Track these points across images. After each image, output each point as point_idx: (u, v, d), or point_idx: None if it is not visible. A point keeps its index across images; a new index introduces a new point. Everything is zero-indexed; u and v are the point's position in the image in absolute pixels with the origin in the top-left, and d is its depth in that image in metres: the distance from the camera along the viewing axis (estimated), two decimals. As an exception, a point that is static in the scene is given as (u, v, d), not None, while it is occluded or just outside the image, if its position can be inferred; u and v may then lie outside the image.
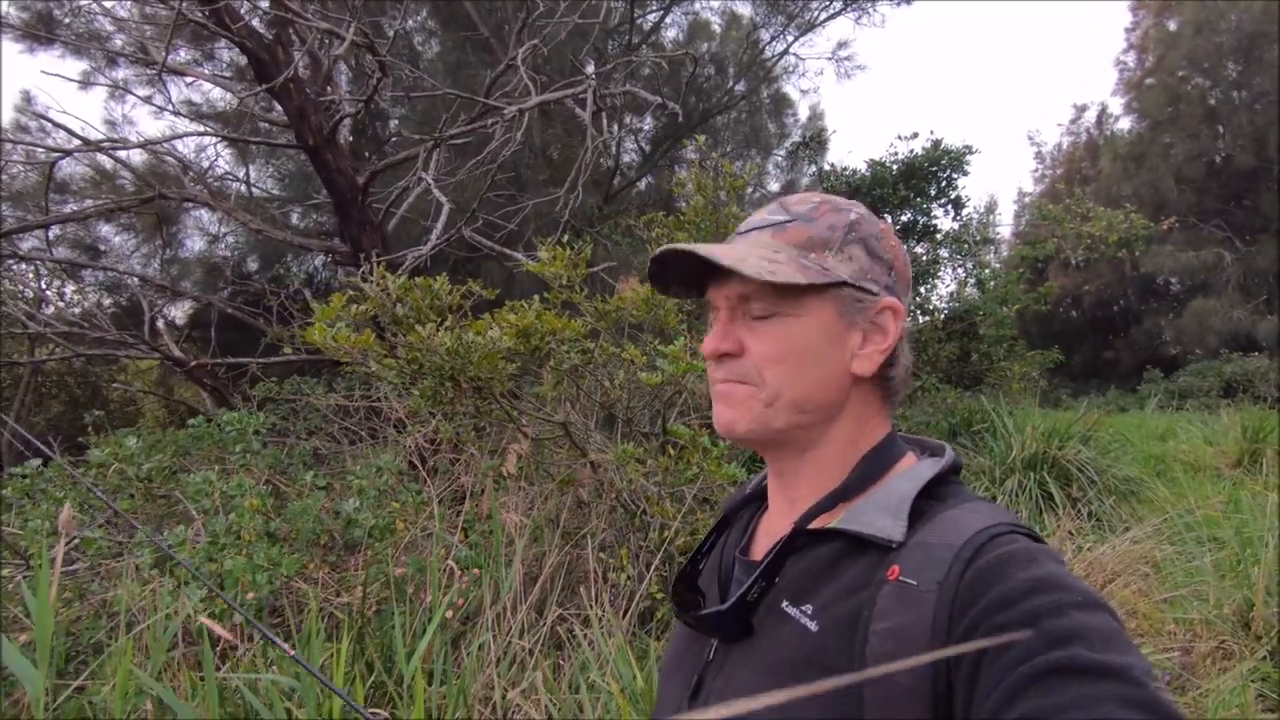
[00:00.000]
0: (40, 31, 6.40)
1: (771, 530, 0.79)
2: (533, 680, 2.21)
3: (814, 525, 0.70)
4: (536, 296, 2.95)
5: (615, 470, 3.06)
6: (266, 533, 2.78)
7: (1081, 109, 22.64)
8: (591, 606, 2.53)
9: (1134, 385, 14.85)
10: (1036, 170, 24.09)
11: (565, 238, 3.50)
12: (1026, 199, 21.28)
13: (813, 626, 0.64)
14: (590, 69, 7.50)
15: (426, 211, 6.09)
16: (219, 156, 8.27)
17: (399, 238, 6.45)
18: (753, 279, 0.68)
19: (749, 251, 0.71)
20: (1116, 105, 24.90)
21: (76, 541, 3.01)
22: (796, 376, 0.70)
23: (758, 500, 0.87)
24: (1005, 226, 18.84)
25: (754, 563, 0.77)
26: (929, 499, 0.68)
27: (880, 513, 0.67)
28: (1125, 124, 19.98)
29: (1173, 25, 17.95)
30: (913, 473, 0.71)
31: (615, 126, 8.75)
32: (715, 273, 0.74)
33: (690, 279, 0.78)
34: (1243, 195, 16.67)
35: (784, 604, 0.68)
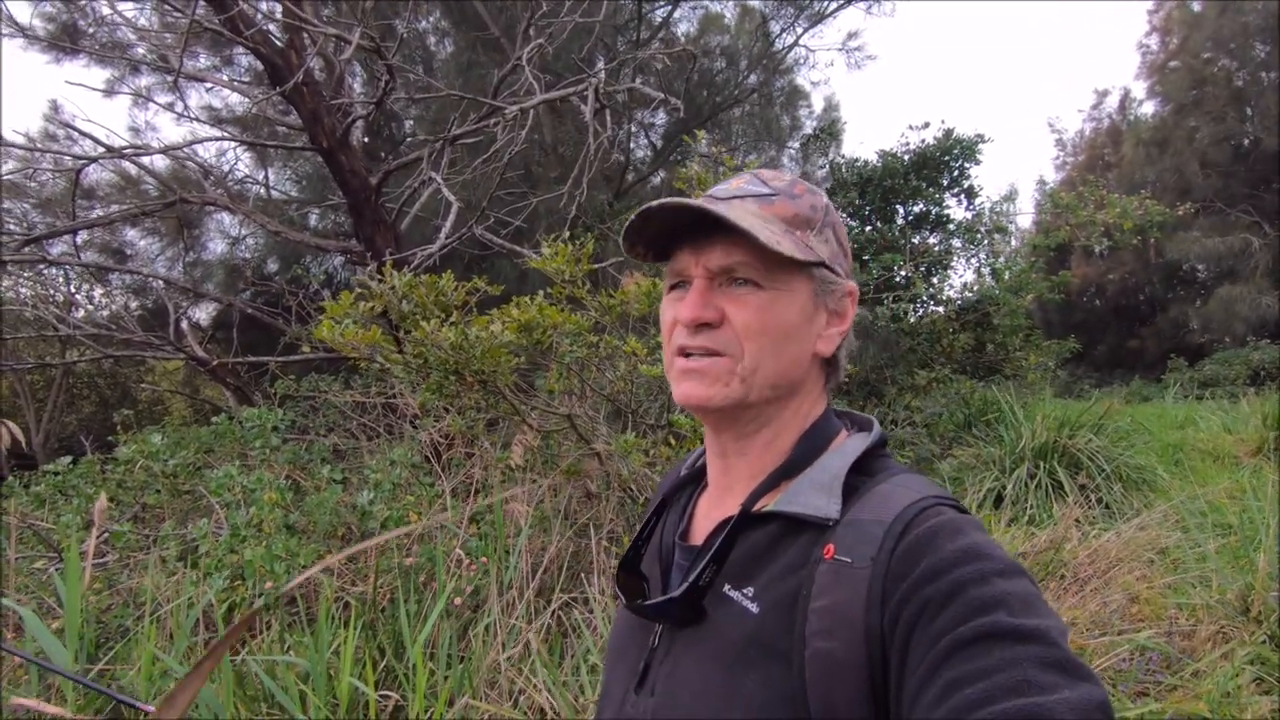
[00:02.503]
0: (65, 42, 6.60)
1: (711, 513, 0.79)
2: (535, 663, 2.28)
3: (755, 508, 0.70)
4: (540, 292, 3.01)
5: (620, 460, 3.13)
6: (285, 525, 2.88)
7: (1103, 94, 22.17)
8: (596, 598, 2.60)
9: (1159, 375, 14.60)
10: (1058, 158, 23.77)
11: (570, 234, 3.56)
12: (1047, 187, 20.94)
13: (754, 608, 0.65)
14: (599, 66, 7.54)
15: (439, 210, 6.19)
16: (238, 160, 8.46)
17: (412, 236, 6.57)
18: (749, 248, 0.67)
19: (745, 218, 0.67)
20: (1139, 89, 24.47)
21: (106, 535, 3.15)
22: (776, 352, 0.70)
23: (694, 482, 0.87)
24: (1026, 215, 18.55)
25: (694, 547, 0.77)
26: (860, 474, 0.70)
27: (816, 492, 0.68)
28: (1148, 108, 19.63)
29: (1197, 6, 17.57)
30: (844, 449, 0.73)
31: (625, 122, 8.78)
32: (700, 237, 0.71)
33: (661, 241, 0.74)
34: (1271, 179, 16.26)
35: (725, 587, 0.68)
